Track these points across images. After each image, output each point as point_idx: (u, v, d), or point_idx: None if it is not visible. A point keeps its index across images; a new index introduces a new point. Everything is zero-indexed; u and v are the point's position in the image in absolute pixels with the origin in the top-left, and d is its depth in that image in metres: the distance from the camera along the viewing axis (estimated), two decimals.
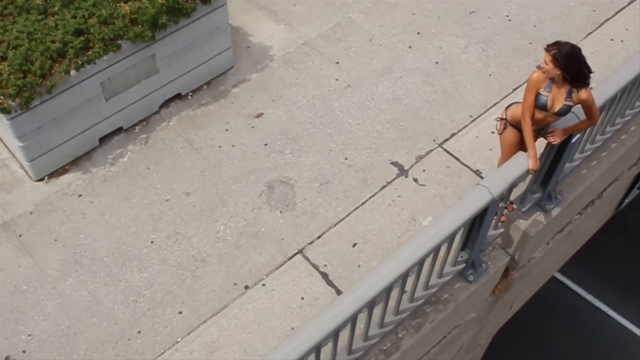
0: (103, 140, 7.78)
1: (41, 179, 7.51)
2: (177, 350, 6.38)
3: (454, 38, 8.89)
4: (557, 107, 5.51)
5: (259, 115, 8.06)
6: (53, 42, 6.83)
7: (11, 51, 6.74)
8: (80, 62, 6.88)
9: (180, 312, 6.61)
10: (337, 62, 8.60)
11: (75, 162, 7.65)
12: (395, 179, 7.55)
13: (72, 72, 6.88)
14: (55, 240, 7.07)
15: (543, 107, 5.52)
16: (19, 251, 6.99)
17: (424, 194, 7.43)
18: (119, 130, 7.87)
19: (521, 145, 5.96)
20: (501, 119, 6.16)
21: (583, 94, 5.43)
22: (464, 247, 5.91)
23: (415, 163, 7.68)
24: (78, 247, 7.03)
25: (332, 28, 8.98)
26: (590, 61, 5.76)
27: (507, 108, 6.16)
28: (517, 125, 5.91)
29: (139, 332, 6.50)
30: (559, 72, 5.35)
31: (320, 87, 8.34)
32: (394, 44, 8.81)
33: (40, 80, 6.69)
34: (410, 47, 8.78)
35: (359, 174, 7.58)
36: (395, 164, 7.67)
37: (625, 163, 7.71)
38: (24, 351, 6.38)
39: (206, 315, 6.59)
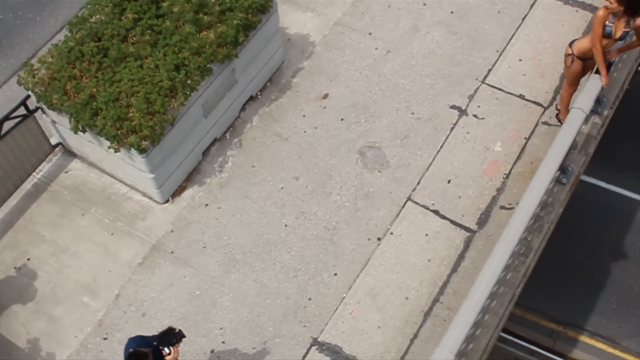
0: (205, 153, 8.82)
1: (166, 201, 8.53)
2: (347, 304, 7.71)
3: None
4: (619, 34, 6.97)
5: (325, 96, 9.25)
6: (161, 80, 7.77)
7: (131, 98, 7.66)
8: (188, 93, 7.88)
9: (335, 274, 7.92)
10: (370, 33, 9.81)
11: (189, 178, 8.68)
12: (458, 119, 8.95)
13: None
14: (204, 247, 8.18)
15: (609, 36, 6.98)
16: (178, 265, 8.07)
17: (486, 125, 8.88)
18: (214, 141, 8.91)
19: (582, 72, 7.44)
20: (568, 54, 7.58)
21: (638, 21, 6.90)
22: None
23: (469, 102, 9.09)
24: (226, 247, 8.17)
25: (353, 4, 10.13)
26: None
27: (570, 45, 7.58)
28: (582, 57, 7.36)
29: (310, 299, 7.77)
30: (622, 8, 6.78)
31: (366, 59, 9.56)
32: (410, 5, 10.07)
33: (164, 116, 7.66)
34: (424, 4, 10.07)
35: (428, 124, 8.94)
36: (453, 107, 9.06)
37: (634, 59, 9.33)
38: (223, 342, 7.57)
39: (357, 269, 7.92)
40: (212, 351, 7.53)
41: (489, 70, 9.35)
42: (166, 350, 6.00)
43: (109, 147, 7.69)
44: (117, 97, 7.66)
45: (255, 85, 9.18)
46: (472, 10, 9.94)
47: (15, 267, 8.17)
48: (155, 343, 6.02)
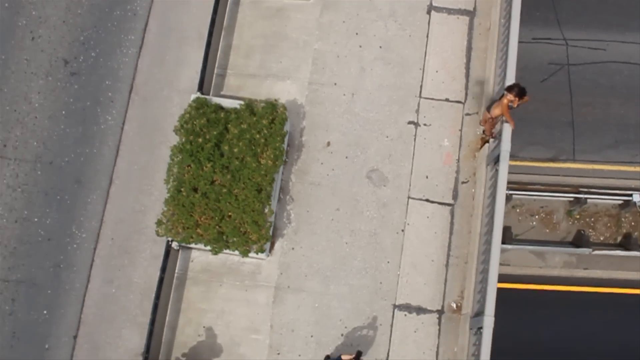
0: (275, 215, 13.40)
1: (267, 256, 13.24)
2: (402, 277, 13.14)
3: (375, 23, 14.30)
4: (516, 105, 11.89)
5: (328, 144, 13.73)
6: (254, 204, 12.15)
7: (245, 224, 12.08)
8: (270, 202, 12.32)
9: (388, 262, 13.22)
10: (335, 83, 14.03)
11: (274, 236, 13.25)
12: (416, 131, 13.79)
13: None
14: (306, 276, 13.18)
15: (511, 108, 11.89)
16: (296, 293, 13.09)
17: (433, 129, 13.80)
18: (276, 203, 13.45)
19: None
20: (489, 118, 12.40)
21: (525, 98, 11.79)
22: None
23: (418, 115, 13.86)
24: (318, 271, 13.19)
25: (313, 62, 14.12)
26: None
27: (489, 111, 12.37)
28: (496, 117, 12.27)
29: (381, 282, 13.09)
30: (517, 98, 11.65)
31: (341, 105, 13.91)
32: (351, 51, 14.19)
33: (267, 225, 12.18)
34: (360, 46, 14.22)
35: (399, 141, 13.75)
36: (410, 122, 13.84)
37: None
38: (345, 327, 12.94)
39: (398, 254, 13.21)
40: (341, 334, 12.97)
41: (421, 87, 14.00)
42: None
43: (241, 256, 12.25)
44: (239, 229, 12.07)
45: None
46: (392, 41, 14.22)
47: (198, 335, 12.99)
48: (343, 358, 11.40)
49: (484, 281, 12.00)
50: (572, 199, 19.79)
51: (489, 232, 12.11)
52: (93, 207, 13.61)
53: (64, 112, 14.03)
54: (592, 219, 20.18)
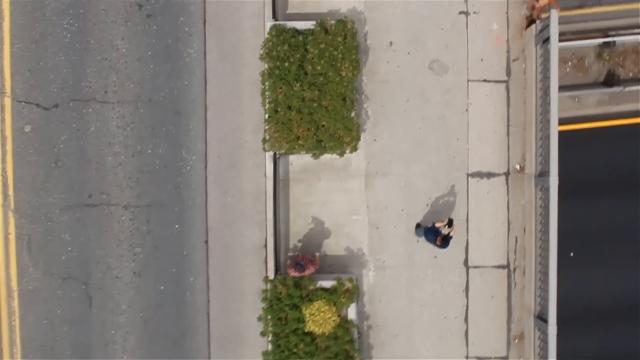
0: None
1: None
2: (470, 149, 15.35)
3: None
4: None
5: (391, 44, 15.40)
6: (343, 112, 14.14)
7: (338, 130, 14.14)
8: (355, 108, 14.30)
9: (457, 139, 15.35)
10: None
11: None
12: (467, 19, 15.37)
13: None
14: (389, 161, 15.38)
15: None
16: (383, 177, 15.37)
17: (482, 15, 15.36)
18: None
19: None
20: (539, 7, 13.90)
21: None
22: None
23: (467, 5, 15.34)
24: (399, 155, 15.38)
25: None
26: None
27: (537, 1, 13.89)
28: (544, 5, 13.80)
29: (454, 157, 15.35)
30: None
31: (396, 7, 15.38)
32: None
33: (356, 127, 14.26)
34: None
35: (452, 31, 15.35)
36: (460, 12, 15.40)
37: None
38: (429, 198, 15.36)
39: (465, 130, 15.33)
40: (427, 205, 15.40)
41: None
42: (447, 229, 13.93)
43: (338, 155, 14.44)
44: (333, 135, 14.16)
45: None
46: None
47: (308, 224, 15.49)
48: (437, 225, 13.91)
49: (544, 147, 14.18)
50: (601, 43, 21.38)
51: (545, 103, 14.13)
52: (195, 132, 15.66)
53: (149, 53, 15.70)
54: (621, 58, 21.87)
